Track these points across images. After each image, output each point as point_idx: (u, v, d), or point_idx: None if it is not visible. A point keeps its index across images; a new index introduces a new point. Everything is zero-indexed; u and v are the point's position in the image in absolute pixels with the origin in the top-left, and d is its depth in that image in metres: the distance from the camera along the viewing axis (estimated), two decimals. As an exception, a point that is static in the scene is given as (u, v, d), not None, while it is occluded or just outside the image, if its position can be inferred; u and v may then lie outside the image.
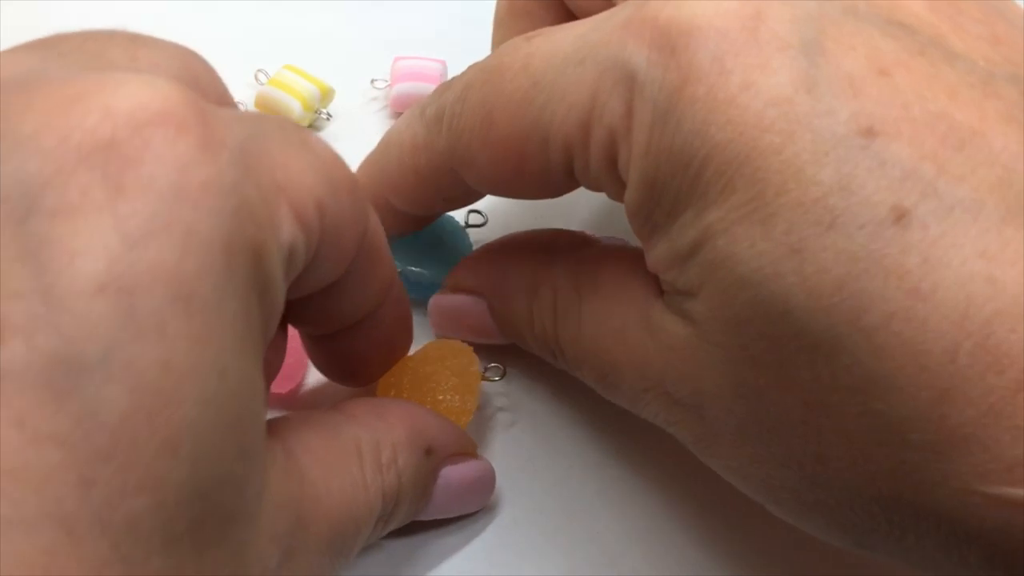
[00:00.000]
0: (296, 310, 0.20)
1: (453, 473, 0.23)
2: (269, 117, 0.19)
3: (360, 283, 0.21)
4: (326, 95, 0.33)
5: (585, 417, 0.27)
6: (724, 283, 0.17)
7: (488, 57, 0.22)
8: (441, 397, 0.24)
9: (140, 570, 0.14)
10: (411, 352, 0.25)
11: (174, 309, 0.14)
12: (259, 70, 0.34)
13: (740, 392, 0.18)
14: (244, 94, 0.34)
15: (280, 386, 0.26)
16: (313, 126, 0.34)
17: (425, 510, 0.23)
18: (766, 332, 0.17)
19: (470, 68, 0.22)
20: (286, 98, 0.32)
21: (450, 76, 0.27)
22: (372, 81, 0.35)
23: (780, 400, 0.17)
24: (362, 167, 0.25)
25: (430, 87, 0.30)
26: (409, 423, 0.22)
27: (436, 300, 0.26)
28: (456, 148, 0.22)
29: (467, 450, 0.23)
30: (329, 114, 0.34)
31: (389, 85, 0.34)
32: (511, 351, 0.26)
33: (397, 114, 0.34)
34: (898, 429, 0.16)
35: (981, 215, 0.15)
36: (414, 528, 0.23)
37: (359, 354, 0.23)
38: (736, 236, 0.17)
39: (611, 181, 0.20)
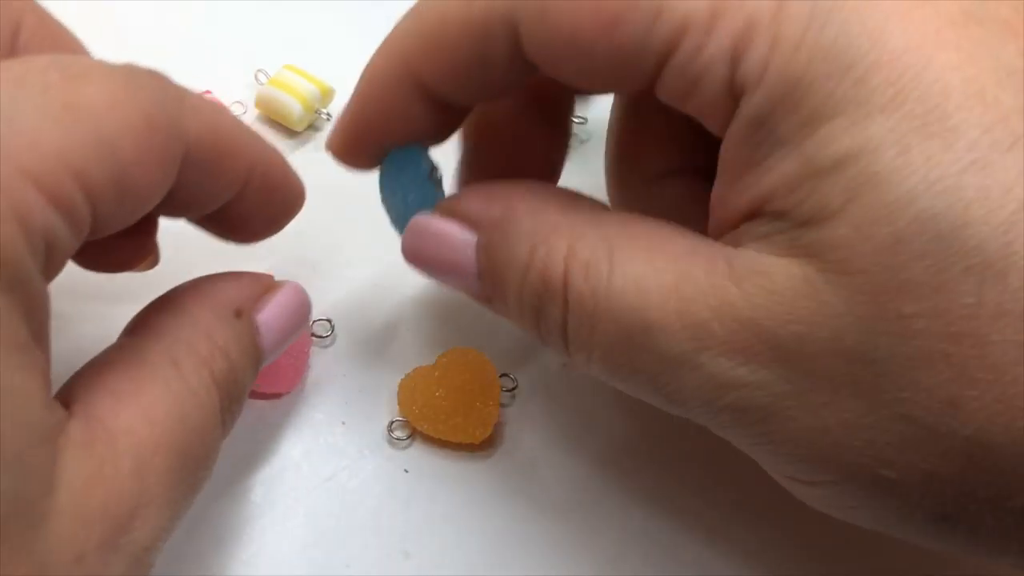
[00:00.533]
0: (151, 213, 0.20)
1: (269, 315, 0.22)
2: (36, 79, 0.17)
3: (205, 183, 0.20)
4: (326, 95, 0.33)
5: (590, 425, 0.27)
6: (886, 198, 0.16)
7: None
8: (479, 404, 0.26)
9: None
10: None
11: None
12: (259, 70, 0.34)
13: (871, 329, 0.17)
14: (244, 94, 0.34)
15: (280, 386, 0.26)
16: (313, 126, 0.34)
17: (268, 359, 0.22)
18: (930, 251, 0.16)
19: None
20: (286, 98, 0.32)
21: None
22: (372, 81, 0.35)
23: (925, 332, 0.16)
24: (392, 31, 0.23)
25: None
26: (206, 302, 0.21)
27: (421, 220, 0.22)
28: None
29: (266, 285, 0.23)
30: (329, 114, 0.34)
31: (389, 85, 0.34)
32: (521, 360, 0.27)
33: (397, 114, 0.34)
34: None
35: None
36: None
37: (238, 225, 0.23)
38: (908, 147, 0.16)
39: (714, 83, 0.18)
